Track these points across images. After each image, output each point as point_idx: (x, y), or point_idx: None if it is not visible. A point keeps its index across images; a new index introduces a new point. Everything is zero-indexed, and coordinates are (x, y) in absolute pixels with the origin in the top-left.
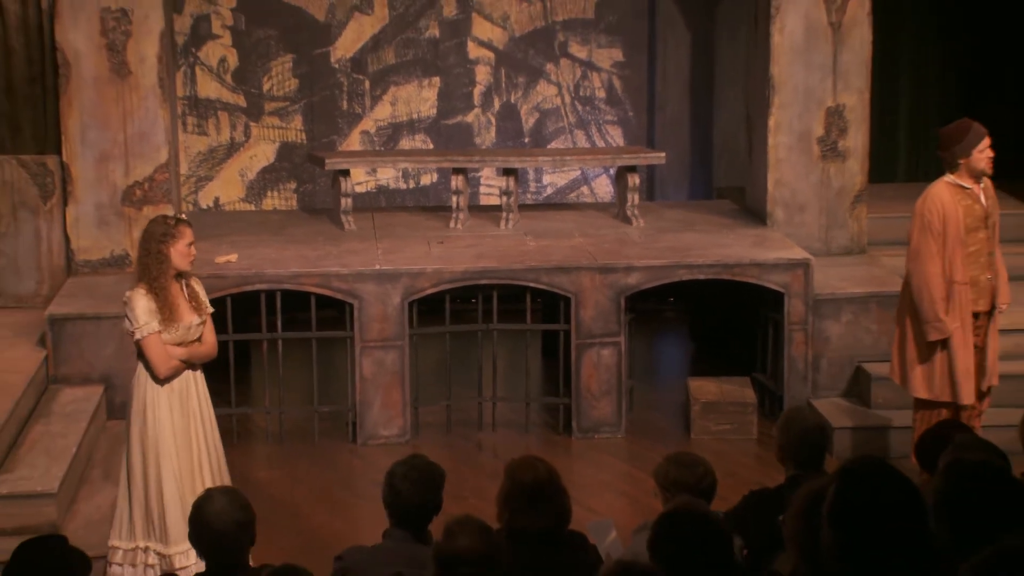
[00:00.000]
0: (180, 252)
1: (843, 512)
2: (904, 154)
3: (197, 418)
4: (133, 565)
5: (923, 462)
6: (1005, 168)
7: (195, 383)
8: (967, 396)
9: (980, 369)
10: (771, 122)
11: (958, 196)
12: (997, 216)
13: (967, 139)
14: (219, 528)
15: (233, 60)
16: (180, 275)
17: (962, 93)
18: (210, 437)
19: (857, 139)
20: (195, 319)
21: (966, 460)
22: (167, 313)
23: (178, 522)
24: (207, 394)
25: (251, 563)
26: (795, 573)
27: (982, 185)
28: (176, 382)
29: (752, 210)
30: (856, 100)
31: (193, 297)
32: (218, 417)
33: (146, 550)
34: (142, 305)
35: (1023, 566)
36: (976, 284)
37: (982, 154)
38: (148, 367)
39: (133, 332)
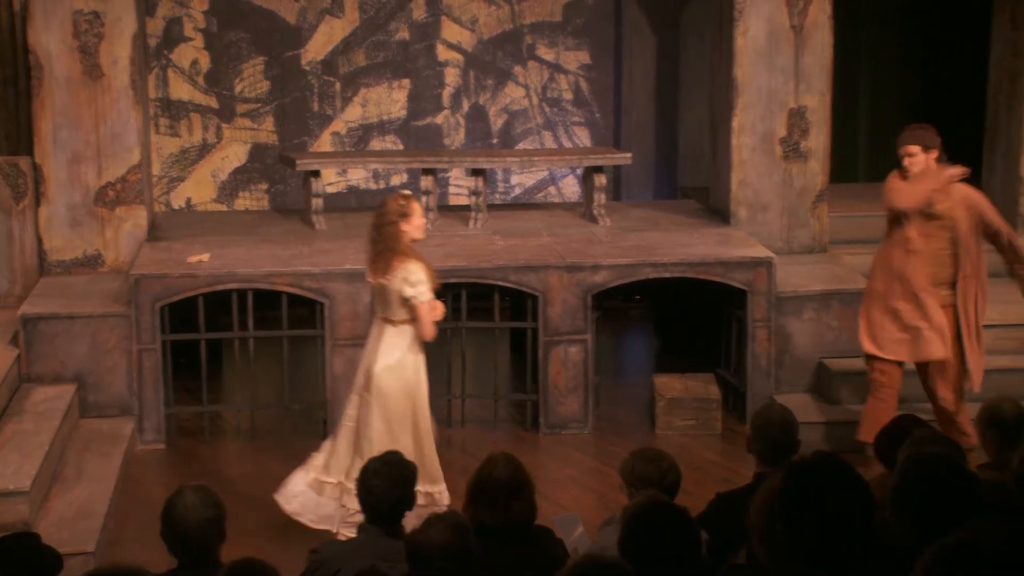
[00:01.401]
0: (416, 225)
1: (791, 506)
2: (864, 155)
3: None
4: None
5: (882, 456)
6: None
7: None
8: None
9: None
10: (735, 123)
11: None
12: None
13: None
14: (190, 525)
15: (205, 62)
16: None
17: (920, 95)
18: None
19: (819, 140)
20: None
21: (923, 454)
22: (431, 279)
23: (437, 462)
24: None
25: (222, 559)
26: (751, 561)
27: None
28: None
29: (716, 210)
30: (817, 102)
31: None
32: (191, 415)
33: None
34: (419, 273)
35: (977, 558)
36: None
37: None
38: (416, 329)
39: (414, 297)
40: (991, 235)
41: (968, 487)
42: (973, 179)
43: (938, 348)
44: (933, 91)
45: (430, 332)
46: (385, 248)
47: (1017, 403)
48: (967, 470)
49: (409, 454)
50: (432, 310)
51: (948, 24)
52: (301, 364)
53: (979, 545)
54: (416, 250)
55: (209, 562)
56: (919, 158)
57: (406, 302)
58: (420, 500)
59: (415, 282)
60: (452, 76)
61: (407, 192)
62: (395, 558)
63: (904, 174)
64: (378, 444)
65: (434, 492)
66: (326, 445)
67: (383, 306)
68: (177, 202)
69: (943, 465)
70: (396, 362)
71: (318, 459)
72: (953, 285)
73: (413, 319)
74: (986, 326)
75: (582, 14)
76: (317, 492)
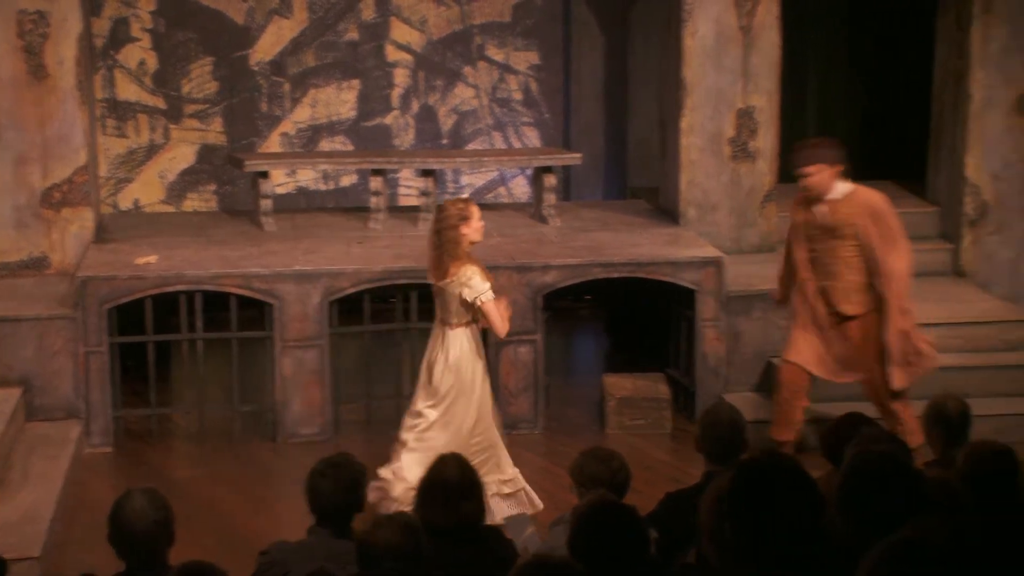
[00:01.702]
0: (475, 228)
1: (740, 505)
2: None
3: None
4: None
5: (829, 454)
6: (908, 168)
7: None
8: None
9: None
10: (683, 124)
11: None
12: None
13: None
14: (138, 527)
15: (152, 63)
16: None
17: (867, 96)
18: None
19: (767, 140)
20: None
21: (869, 452)
22: (488, 279)
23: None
24: None
25: (171, 563)
26: (700, 560)
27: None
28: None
29: (665, 210)
30: (765, 102)
31: None
32: (139, 417)
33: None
34: (477, 275)
35: (922, 556)
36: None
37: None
38: (487, 327)
39: (478, 298)
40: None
41: (913, 485)
42: (918, 179)
43: (852, 373)
44: (880, 91)
45: (503, 329)
46: (444, 252)
47: (962, 401)
48: (913, 468)
49: (472, 454)
50: (498, 307)
51: (895, 24)
52: (250, 366)
53: (924, 543)
54: (472, 254)
55: (157, 565)
56: (816, 177)
57: (470, 305)
58: (492, 488)
59: (475, 285)
60: (402, 77)
61: (465, 196)
62: (345, 559)
63: (807, 192)
64: (435, 446)
65: (499, 479)
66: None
67: (442, 309)
68: (124, 203)
69: (888, 463)
70: (453, 363)
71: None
72: (870, 291)
73: (472, 322)
74: (932, 324)
75: (531, 15)
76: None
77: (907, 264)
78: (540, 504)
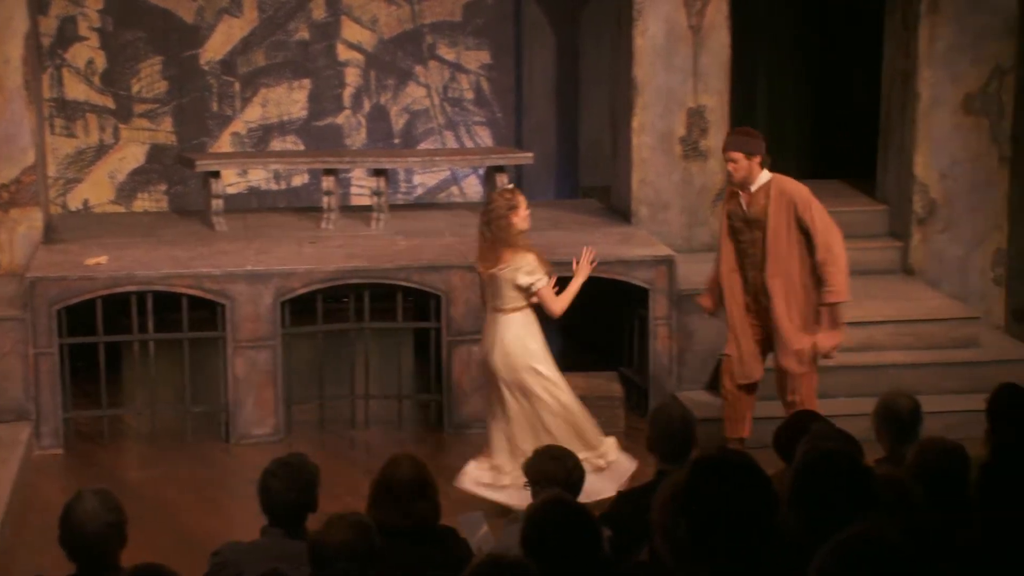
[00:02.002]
0: (523, 216)
1: (695, 503)
2: None
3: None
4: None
5: (780, 451)
6: (857, 167)
7: None
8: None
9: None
10: (634, 123)
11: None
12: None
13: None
14: (89, 530)
15: (101, 62)
16: None
17: (816, 95)
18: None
19: (717, 139)
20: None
21: (820, 449)
22: (544, 264)
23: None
24: None
25: (123, 564)
26: (653, 559)
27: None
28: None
29: (617, 209)
30: (716, 101)
31: None
32: (89, 419)
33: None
34: (532, 261)
35: (872, 553)
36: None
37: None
38: (541, 311)
39: (532, 284)
40: (807, 233)
41: (864, 482)
42: (868, 178)
43: (755, 370)
44: (829, 90)
45: (557, 311)
46: (496, 240)
47: (912, 398)
48: (863, 465)
49: (555, 430)
50: (558, 297)
51: (843, 24)
52: (202, 366)
53: (874, 540)
54: (525, 240)
55: (109, 567)
56: (742, 164)
57: (524, 290)
58: (588, 468)
59: (530, 270)
60: (353, 76)
61: (511, 186)
62: (297, 560)
63: (729, 179)
64: (518, 428)
65: (591, 456)
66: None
67: (494, 296)
68: (74, 204)
69: (839, 460)
70: (511, 346)
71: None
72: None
73: (524, 307)
74: (882, 322)
75: (482, 14)
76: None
77: (840, 251)
78: (633, 466)
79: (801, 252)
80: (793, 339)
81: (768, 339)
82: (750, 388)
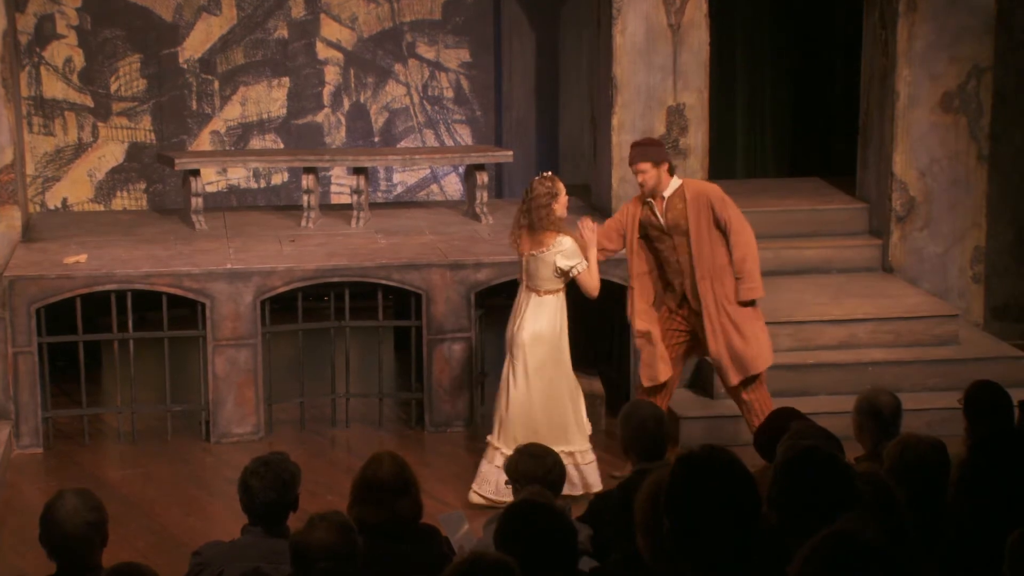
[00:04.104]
0: (563, 204)
1: (678, 499)
2: (742, 151)
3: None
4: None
5: (761, 450)
6: (834, 163)
7: None
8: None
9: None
10: (614, 121)
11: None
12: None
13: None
14: (70, 529)
15: (79, 60)
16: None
17: (796, 93)
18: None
19: (697, 137)
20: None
21: (800, 447)
22: (583, 249)
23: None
24: None
25: (103, 564)
26: (635, 557)
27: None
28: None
29: (597, 207)
30: (696, 99)
31: None
32: (69, 418)
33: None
34: (572, 246)
35: (854, 550)
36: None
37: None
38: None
39: (572, 267)
40: (724, 230)
41: (844, 480)
42: (847, 176)
43: (662, 372)
44: (809, 89)
45: (594, 291)
46: (537, 225)
47: (893, 395)
48: (844, 463)
49: (558, 417)
50: (591, 273)
51: (823, 22)
52: (182, 365)
53: (855, 537)
54: (564, 224)
55: (89, 567)
56: (651, 173)
57: (563, 273)
58: (565, 460)
59: (571, 254)
60: (332, 74)
61: (549, 173)
62: (278, 559)
63: (641, 190)
64: (516, 406)
65: (575, 452)
66: (495, 424)
67: (531, 277)
68: (53, 202)
69: (820, 458)
70: (541, 329)
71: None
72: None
73: (560, 290)
74: (863, 320)
75: (462, 12)
76: (489, 461)
77: (753, 248)
78: (596, 485)
79: (724, 250)
80: (740, 343)
81: (693, 344)
82: (653, 390)
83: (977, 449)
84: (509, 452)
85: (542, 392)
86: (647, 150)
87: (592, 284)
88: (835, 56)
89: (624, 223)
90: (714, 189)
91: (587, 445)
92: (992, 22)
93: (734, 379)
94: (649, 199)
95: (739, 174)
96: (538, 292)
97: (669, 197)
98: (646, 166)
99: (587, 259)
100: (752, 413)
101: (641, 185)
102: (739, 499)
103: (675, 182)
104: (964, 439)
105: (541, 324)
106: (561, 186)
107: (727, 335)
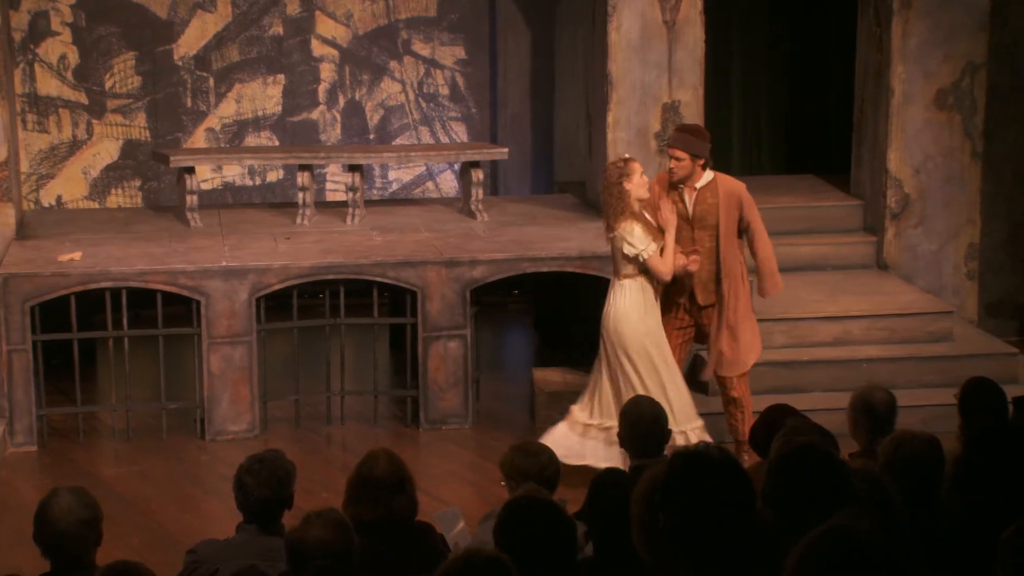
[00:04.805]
0: (638, 184)
1: (673, 497)
2: (738, 148)
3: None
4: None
5: (756, 446)
6: (832, 161)
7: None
8: None
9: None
10: (609, 118)
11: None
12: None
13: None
14: (64, 527)
15: (74, 57)
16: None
17: (789, 89)
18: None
19: None
20: (660, 239)
21: (795, 444)
22: (653, 234)
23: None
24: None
25: (98, 562)
26: (631, 553)
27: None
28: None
29: (592, 204)
30: (691, 96)
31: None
32: (64, 416)
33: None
34: (638, 232)
35: (849, 547)
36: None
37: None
38: (650, 279)
39: (639, 254)
40: (745, 229)
41: (839, 477)
42: (842, 173)
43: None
44: (803, 86)
45: (666, 275)
46: (608, 208)
47: (888, 392)
48: (838, 460)
49: (657, 397)
50: (663, 258)
51: (818, 19)
52: (177, 363)
53: (850, 534)
54: (636, 210)
55: (84, 565)
56: (686, 164)
57: (632, 260)
58: (678, 440)
59: (634, 240)
60: (327, 71)
61: (626, 155)
62: (274, 556)
63: (670, 175)
64: (628, 391)
65: (688, 431)
66: (585, 396)
67: (613, 262)
68: (47, 200)
69: (814, 455)
70: (623, 313)
71: (579, 412)
72: (720, 283)
73: (637, 274)
74: (857, 317)
75: (457, 9)
76: (580, 435)
77: (772, 250)
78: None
79: (740, 249)
80: (729, 343)
81: (697, 336)
82: None
83: (972, 445)
84: (606, 425)
85: (634, 375)
86: (690, 141)
87: (664, 269)
88: (830, 53)
89: (658, 200)
90: (744, 188)
91: (697, 422)
92: (986, 19)
93: (730, 372)
94: (680, 185)
95: (734, 171)
96: (618, 276)
97: (700, 189)
98: (683, 155)
99: (666, 242)
100: (738, 409)
101: (671, 170)
102: (735, 496)
103: (708, 175)
104: (959, 436)
105: (619, 308)
106: (636, 167)
107: (733, 332)
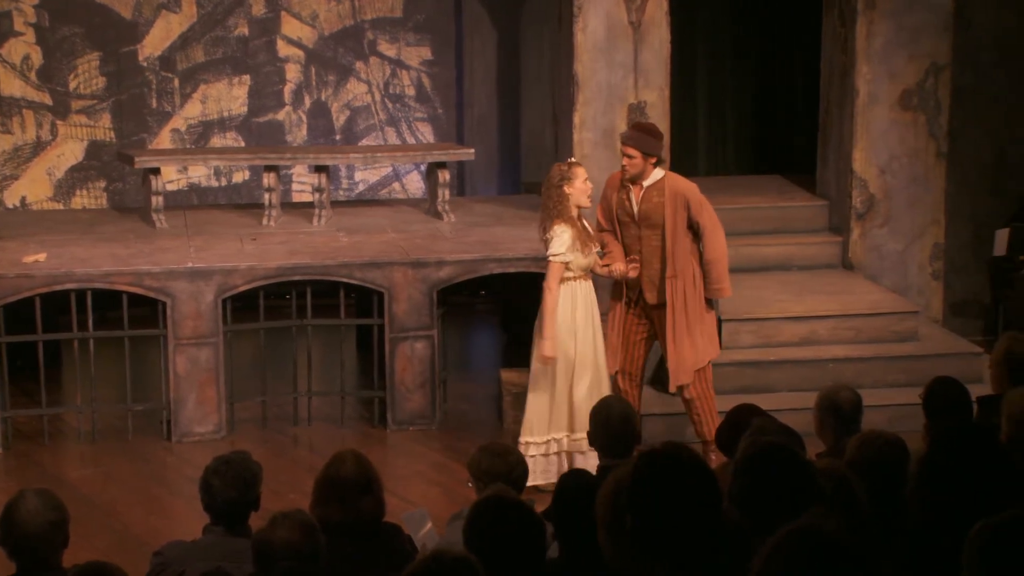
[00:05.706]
0: (579, 189)
1: (640, 497)
2: (703, 148)
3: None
4: (545, 455)
5: (723, 446)
6: (797, 162)
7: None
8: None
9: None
10: (576, 119)
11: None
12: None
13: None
14: (31, 529)
15: (37, 58)
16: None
17: (757, 90)
18: (598, 336)
19: None
20: (595, 248)
21: (761, 444)
22: (579, 244)
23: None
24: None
25: (64, 564)
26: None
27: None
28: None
29: None
30: (656, 97)
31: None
32: (29, 418)
33: (558, 440)
34: (566, 237)
35: (815, 546)
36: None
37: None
38: (588, 279)
39: (549, 255)
40: (695, 229)
41: (806, 476)
42: (807, 172)
43: (611, 363)
44: (769, 86)
45: (550, 289)
46: (546, 211)
47: (853, 391)
48: (805, 459)
49: (555, 401)
50: (560, 271)
51: (783, 20)
52: (143, 364)
53: (816, 534)
54: (572, 215)
55: (51, 568)
56: (637, 162)
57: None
58: (554, 448)
59: (556, 244)
60: (293, 72)
61: (572, 159)
62: (240, 558)
63: (623, 173)
64: (530, 391)
65: (551, 439)
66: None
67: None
68: (11, 201)
69: (780, 455)
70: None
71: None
72: (666, 282)
73: (572, 278)
74: (824, 316)
75: (423, 9)
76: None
77: (725, 250)
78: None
79: (693, 250)
80: (688, 348)
81: (654, 335)
82: (622, 378)
83: (936, 445)
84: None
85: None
86: (643, 139)
87: (551, 283)
88: (796, 54)
89: (610, 202)
90: (693, 189)
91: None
92: (950, 20)
93: (681, 381)
94: (628, 183)
95: (701, 171)
96: (563, 280)
97: (647, 187)
98: (635, 153)
99: (598, 252)
100: (695, 411)
101: (624, 167)
102: (701, 496)
103: (657, 173)
104: (924, 435)
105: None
106: (579, 171)
107: (681, 337)
